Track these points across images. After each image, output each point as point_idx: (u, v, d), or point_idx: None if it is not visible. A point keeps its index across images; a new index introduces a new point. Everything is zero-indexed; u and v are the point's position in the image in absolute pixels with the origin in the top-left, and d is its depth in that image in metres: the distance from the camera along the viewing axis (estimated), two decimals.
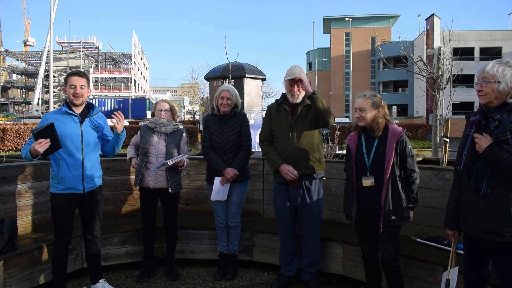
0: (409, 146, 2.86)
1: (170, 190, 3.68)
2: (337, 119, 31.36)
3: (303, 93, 3.47)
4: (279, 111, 3.53)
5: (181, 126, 3.84)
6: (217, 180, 3.66)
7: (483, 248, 2.27)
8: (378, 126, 2.88)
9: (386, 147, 2.83)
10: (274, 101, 3.72)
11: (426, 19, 30.84)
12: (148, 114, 38.49)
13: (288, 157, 3.41)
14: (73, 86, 3.09)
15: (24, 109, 60.79)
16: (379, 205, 2.81)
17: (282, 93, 3.63)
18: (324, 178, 3.62)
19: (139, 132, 3.84)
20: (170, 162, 3.59)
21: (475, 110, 2.38)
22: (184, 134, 3.84)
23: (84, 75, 3.19)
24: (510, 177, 2.10)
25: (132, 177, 4.35)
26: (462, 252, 2.51)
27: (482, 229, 2.19)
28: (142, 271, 3.82)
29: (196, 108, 45.39)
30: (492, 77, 2.16)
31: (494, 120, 2.17)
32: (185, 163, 3.74)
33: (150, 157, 3.68)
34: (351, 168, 2.96)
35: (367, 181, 2.87)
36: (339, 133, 6.99)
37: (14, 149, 15.08)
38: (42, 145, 2.82)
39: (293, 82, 3.43)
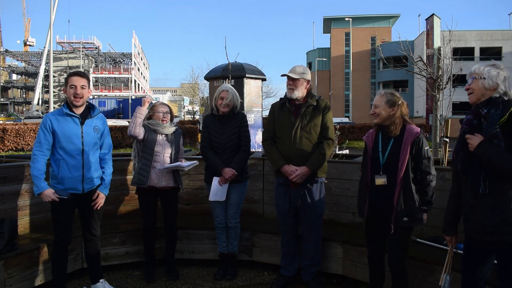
0: (426, 148, 2.80)
1: (181, 189, 3.84)
2: (337, 119, 31.35)
3: (300, 90, 3.45)
4: (283, 111, 3.52)
5: (177, 127, 3.92)
6: (215, 180, 3.66)
7: (482, 248, 2.27)
8: (395, 125, 2.83)
9: (401, 147, 2.79)
10: (275, 100, 3.72)
11: (426, 19, 30.81)
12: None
13: (289, 158, 3.40)
14: (73, 87, 3.09)
15: (24, 109, 60.82)
16: (390, 205, 2.79)
17: (286, 92, 3.63)
18: (325, 181, 3.61)
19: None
20: (187, 168, 3.73)
21: None
22: (181, 135, 3.95)
23: (84, 75, 3.19)
24: (505, 174, 2.11)
25: (131, 177, 4.34)
26: (460, 251, 2.51)
27: (482, 230, 2.19)
28: (148, 271, 3.81)
29: (196, 108, 45.39)
30: (478, 75, 2.24)
31: (484, 117, 2.19)
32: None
33: (158, 156, 3.70)
34: (366, 166, 2.95)
35: (380, 180, 2.84)
36: (339, 133, 6.99)
37: (14, 149, 15.07)
38: (51, 199, 3.03)
39: (288, 77, 3.46)
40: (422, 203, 2.80)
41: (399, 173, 2.76)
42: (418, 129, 2.83)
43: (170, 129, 3.80)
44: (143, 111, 3.64)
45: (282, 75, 3.51)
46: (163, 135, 3.77)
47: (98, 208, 3.27)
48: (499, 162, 2.08)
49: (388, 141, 2.88)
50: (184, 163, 3.74)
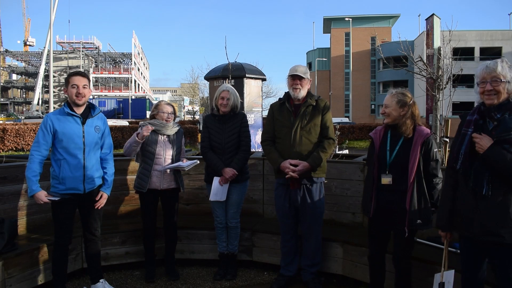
0: (435, 150, 2.77)
1: (182, 190, 3.81)
2: (337, 119, 31.32)
3: (305, 89, 3.45)
4: (282, 111, 3.51)
5: (179, 126, 3.89)
6: (215, 180, 3.66)
7: (482, 248, 2.27)
8: (406, 126, 2.78)
9: (410, 148, 2.76)
10: (275, 100, 3.70)
11: (426, 19, 30.74)
12: (148, 114, 38.48)
13: (289, 158, 3.38)
14: (75, 86, 3.09)
15: (24, 109, 60.81)
16: (396, 206, 2.77)
17: (285, 92, 3.60)
18: (325, 181, 3.61)
19: (139, 129, 3.79)
20: (187, 168, 3.72)
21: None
22: (183, 134, 3.92)
23: (85, 75, 3.21)
24: (509, 178, 2.10)
25: (132, 177, 4.34)
26: (458, 251, 2.50)
27: (481, 230, 2.18)
28: (148, 272, 3.81)
29: (196, 108, 45.39)
30: (504, 77, 2.16)
31: (493, 120, 2.16)
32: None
33: (159, 158, 3.69)
34: (373, 163, 2.91)
35: (385, 179, 2.81)
36: (339, 133, 6.99)
37: (14, 149, 15.06)
38: (43, 201, 3.04)
39: (294, 77, 3.43)
40: (430, 204, 2.78)
41: (409, 174, 2.72)
42: (428, 131, 2.80)
43: (173, 129, 3.77)
44: (137, 142, 3.58)
45: (290, 75, 3.44)
46: (165, 136, 3.76)
47: (100, 208, 3.28)
48: (509, 168, 2.07)
49: (397, 141, 2.84)
50: (184, 163, 3.72)
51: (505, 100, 2.16)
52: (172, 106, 3.87)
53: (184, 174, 4.35)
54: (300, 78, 3.41)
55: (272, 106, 3.65)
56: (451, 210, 2.38)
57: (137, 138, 3.57)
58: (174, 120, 3.86)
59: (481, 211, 2.18)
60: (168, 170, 3.70)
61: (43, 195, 3.02)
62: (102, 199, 3.27)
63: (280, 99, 3.61)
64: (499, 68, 2.17)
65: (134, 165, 4.37)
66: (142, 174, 3.70)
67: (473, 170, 2.20)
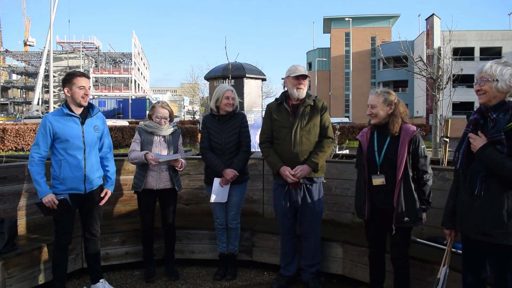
0: (422, 146, 2.80)
1: (177, 190, 3.77)
2: (337, 119, 31.32)
3: (306, 89, 3.45)
4: (280, 111, 3.49)
5: (176, 127, 3.88)
6: (216, 181, 3.65)
7: (481, 248, 2.27)
8: (394, 124, 2.80)
9: (398, 146, 2.77)
10: (273, 100, 3.67)
11: (426, 19, 30.76)
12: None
13: (289, 159, 3.38)
14: (83, 87, 3.11)
15: (24, 109, 60.79)
16: (391, 205, 2.77)
17: (282, 92, 3.58)
18: (324, 181, 3.60)
19: (136, 135, 3.80)
20: (182, 157, 3.69)
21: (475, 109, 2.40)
22: (180, 135, 3.91)
23: (88, 76, 3.25)
24: (503, 178, 2.11)
25: (131, 177, 4.34)
26: (459, 251, 2.51)
27: (474, 230, 2.20)
28: (147, 271, 3.81)
29: (196, 108, 45.42)
30: (490, 76, 2.18)
31: (491, 120, 2.18)
32: (183, 164, 3.75)
33: None
34: (363, 166, 2.91)
35: (378, 180, 2.82)
36: (339, 133, 6.99)
37: (14, 149, 15.07)
38: (50, 205, 3.00)
39: (299, 77, 3.39)
40: (421, 202, 2.80)
41: (398, 172, 2.74)
42: (414, 128, 2.82)
43: (167, 130, 3.77)
44: (143, 160, 3.63)
45: (295, 76, 3.37)
46: (160, 136, 3.76)
47: (102, 204, 3.31)
48: (499, 168, 2.09)
49: (384, 140, 2.85)
50: (178, 154, 3.71)
51: (501, 100, 2.17)
52: (169, 108, 3.84)
53: (183, 174, 4.35)
54: (305, 77, 3.40)
55: (269, 106, 3.61)
56: (453, 208, 2.41)
57: (144, 159, 3.60)
58: (171, 121, 3.85)
59: (475, 210, 2.20)
60: (164, 169, 3.69)
61: (50, 198, 2.99)
62: (106, 196, 3.32)
63: (277, 99, 3.58)
64: (486, 67, 2.20)
65: (133, 165, 4.36)
66: (138, 174, 3.72)
67: (470, 170, 2.22)
